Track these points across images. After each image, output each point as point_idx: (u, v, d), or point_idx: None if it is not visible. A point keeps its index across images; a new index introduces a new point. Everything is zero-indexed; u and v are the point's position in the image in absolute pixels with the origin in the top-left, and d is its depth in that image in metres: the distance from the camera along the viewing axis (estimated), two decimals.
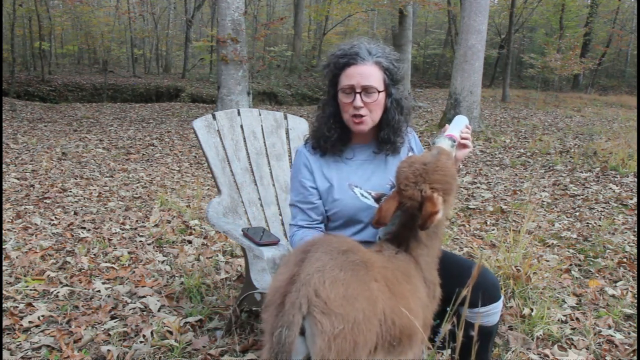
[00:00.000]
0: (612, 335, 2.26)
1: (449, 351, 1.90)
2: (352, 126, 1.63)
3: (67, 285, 2.69)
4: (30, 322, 2.26)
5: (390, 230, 1.56)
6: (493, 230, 3.80)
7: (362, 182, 1.67)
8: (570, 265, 3.08)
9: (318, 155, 1.70)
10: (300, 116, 2.56)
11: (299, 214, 1.69)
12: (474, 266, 1.65)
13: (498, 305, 1.63)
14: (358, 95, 1.56)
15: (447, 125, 1.67)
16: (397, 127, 1.65)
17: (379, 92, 1.58)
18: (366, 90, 1.56)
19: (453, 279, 1.60)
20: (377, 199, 1.65)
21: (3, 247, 3.14)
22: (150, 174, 5.67)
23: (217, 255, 3.16)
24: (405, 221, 1.47)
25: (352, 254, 1.25)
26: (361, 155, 1.71)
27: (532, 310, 2.40)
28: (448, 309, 1.81)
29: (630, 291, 2.71)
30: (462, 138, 1.64)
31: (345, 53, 1.58)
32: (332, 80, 1.64)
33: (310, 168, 1.69)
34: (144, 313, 2.39)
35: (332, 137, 1.65)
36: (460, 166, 1.72)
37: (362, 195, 1.64)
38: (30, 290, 2.60)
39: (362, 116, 1.58)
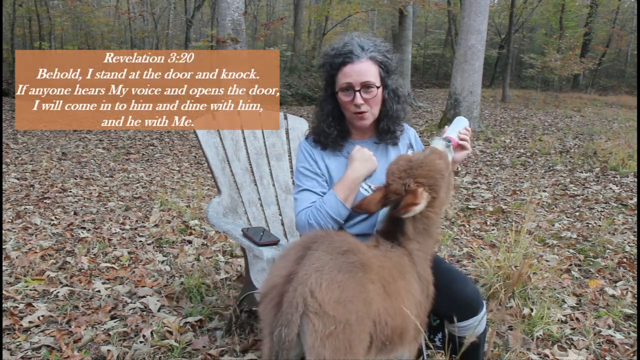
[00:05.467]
0: (612, 335, 2.26)
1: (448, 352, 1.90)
2: (355, 122, 1.66)
3: (67, 285, 2.69)
4: (30, 322, 2.26)
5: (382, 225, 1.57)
6: (493, 230, 3.80)
7: None
8: (570, 265, 3.08)
9: (319, 149, 1.73)
10: (300, 116, 2.56)
11: (312, 196, 1.65)
12: (456, 280, 1.63)
13: (478, 318, 1.61)
14: (358, 94, 1.58)
15: (446, 126, 1.68)
16: (395, 115, 1.69)
17: (377, 87, 1.61)
18: (365, 86, 1.59)
19: (437, 289, 1.56)
20: None
21: (3, 247, 3.14)
22: (150, 174, 5.67)
23: (217, 255, 3.16)
24: (391, 215, 1.49)
25: (352, 254, 1.27)
26: None
27: (532, 310, 2.40)
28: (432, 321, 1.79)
29: (630, 291, 2.71)
30: (461, 139, 1.63)
31: (339, 52, 1.59)
32: (329, 80, 1.66)
33: (314, 157, 1.71)
34: (144, 313, 2.39)
35: (332, 134, 1.68)
36: (459, 168, 1.72)
37: (362, 187, 1.65)
38: (30, 290, 2.60)
39: (364, 112, 1.62)
